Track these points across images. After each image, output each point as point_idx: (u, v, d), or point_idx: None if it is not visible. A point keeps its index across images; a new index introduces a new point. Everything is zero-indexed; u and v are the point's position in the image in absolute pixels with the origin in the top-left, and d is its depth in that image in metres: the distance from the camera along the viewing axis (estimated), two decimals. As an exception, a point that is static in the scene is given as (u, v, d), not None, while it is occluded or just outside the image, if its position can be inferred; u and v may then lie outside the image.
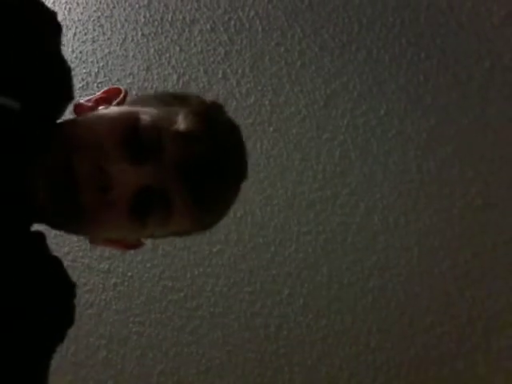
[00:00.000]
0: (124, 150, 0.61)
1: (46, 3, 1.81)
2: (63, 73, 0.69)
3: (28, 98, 0.63)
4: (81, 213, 0.61)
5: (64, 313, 0.69)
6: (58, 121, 0.70)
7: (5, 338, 0.61)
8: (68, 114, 0.72)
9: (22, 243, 0.67)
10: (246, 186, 1.43)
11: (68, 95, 0.69)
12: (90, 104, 0.70)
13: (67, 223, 0.66)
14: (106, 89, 0.72)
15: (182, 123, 0.63)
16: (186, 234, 0.75)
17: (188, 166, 0.62)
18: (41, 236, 0.70)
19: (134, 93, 1.55)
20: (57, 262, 0.70)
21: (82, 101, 0.70)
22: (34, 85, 0.64)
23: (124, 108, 0.67)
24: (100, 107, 0.70)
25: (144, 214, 0.63)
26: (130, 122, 0.62)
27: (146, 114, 0.63)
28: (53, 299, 0.68)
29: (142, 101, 0.70)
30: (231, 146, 0.68)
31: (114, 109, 0.67)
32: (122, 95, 0.71)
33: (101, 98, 0.71)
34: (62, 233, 1.75)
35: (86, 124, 0.64)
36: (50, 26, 0.67)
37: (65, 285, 0.70)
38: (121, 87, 0.73)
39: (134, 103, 0.70)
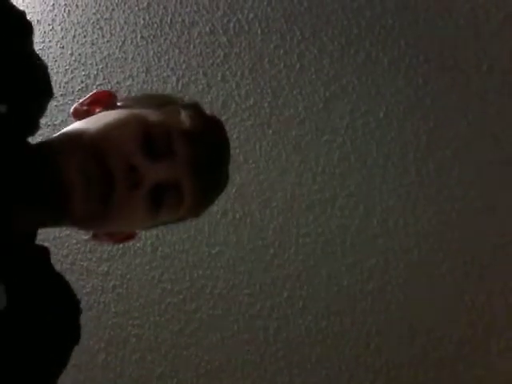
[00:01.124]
0: (145, 150, 0.68)
1: (45, 6, 1.81)
2: (41, 71, 0.71)
3: (12, 100, 0.65)
4: (110, 209, 0.67)
5: (70, 330, 0.71)
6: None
7: (11, 356, 0.63)
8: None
9: (28, 258, 0.67)
10: (245, 187, 1.43)
11: (48, 92, 0.72)
12: (84, 108, 0.74)
13: (92, 220, 0.69)
14: (93, 92, 0.77)
15: (185, 122, 0.72)
16: (182, 220, 0.83)
17: (196, 159, 0.71)
18: (46, 251, 0.71)
19: (133, 95, 1.55)
20: (62, 279, 0.72)
21: (76, 105, 0.75)
22: (16, 86, 0.66)
23: (130, 111, 0.72)
24: (97, 110, 0.74)
25: (159, 204, 0.70)
26: (142, 125, 0.69)
27: (151, 115, 0.71)
28: (59, 316, 0.69)
29: (137, 104, 0.75)
30: (223, 138, 0.79)
31: (122, 112, 0.72)
32: (113, 99, 0.76)
33: (92, 101, 0.75)
34: (60, 236, 1.75)
35: (107, 128, 0.68)
36: (21, 26, 0.68)
37: (70, 301, 0.72)
38: (108, 90, 0.78)
39: (130, 106, 0.74)
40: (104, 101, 0.75)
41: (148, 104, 0.74)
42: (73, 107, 0.74)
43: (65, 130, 0.72)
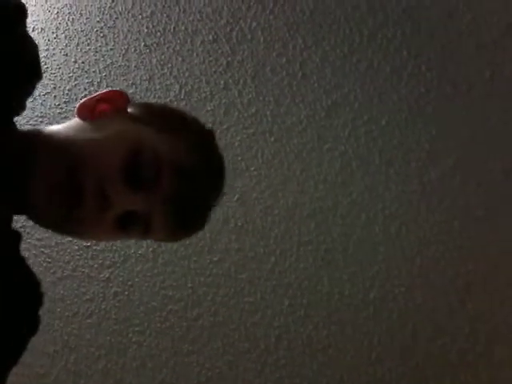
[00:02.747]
0: (125, 177, 0.65)
1: (49, 14, 1.82)
2: (31, 52, 0.71)
3: (2, 81, 0.65)
4: (74, 224, 0.66)
5: (29, 320, 0.70)
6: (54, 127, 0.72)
7: None
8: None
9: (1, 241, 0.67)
10: (246, 195, 1.43)
11: (36, 73, 0.71)
12: (91, 104, 0.72)
13: (56, 228, 0.70)
14: (109, 90, 0.74)
15: (182, 157, 0.67)
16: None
17: (178, 199, 0.67)
18: (18, 236, 0.71)
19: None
20: (27, 268, 0.71)
21: (85, 100, 0.72)
22: (4, 65, 0.66)
23: (128, 130, 0.69)
24: (103, 108, 0.72)
25: (126, 228, 0.69)
26: (135, 149, 0.66)
27: (150, 139, 0.67)
28: (19, 305, 0.69)
29: (144, 117, 0.72)
30: (217, 186, 0.74)
31: (118, 129, 0.69)
32: (124, 101, 0.73)
33: (102, 98, 0.73)
34: (62, 242, 1.74)
35: (93, 145, 0.66)
36: (13, 7, 0.68)
37: (33, 292, 0.71)
38: (124, 92, 0.74)
39: (136, 118, 0.71)
40: (114, 101, 0.72)
41: (155, 122, 0.70)
42: (81, 102, 0.71)
43: (58, 128, 0.71)
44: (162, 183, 0.66)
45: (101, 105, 0.72)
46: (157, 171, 0.66)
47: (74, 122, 0.72)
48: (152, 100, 1.55)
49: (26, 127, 0.76)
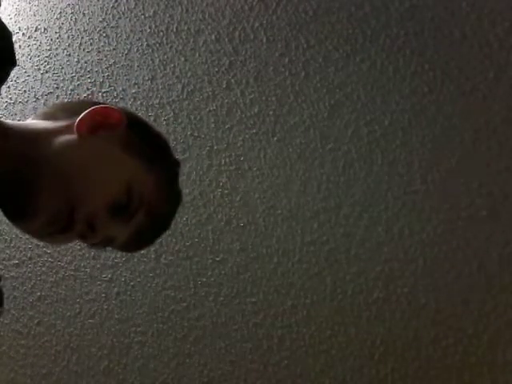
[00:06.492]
0: (111, 214, 0.74)
1: (52, 14, 1.82)
2: (5, 39, 0.72)
3: None
4: (49, 240, 0.74)
5: None
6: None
7: None
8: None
9: None
10: (249, 195, 1.43)
11: (11, 60, 0.73)
12: (89, 119, 0.74)
13: (26, 232, 0.75)
14: (107, 106, 0.76)
15: (157, 207, 0.78)
16: None
17: (142, 234, 0.79)
18: None
19: (138, 103, 1.55)
20: None
21: (84, 115, 0.74)
22: None
23: (122, 174, 0.74)
24: (96, 123, 0.74)
25: (92, 245, 0.78)
26: (125, 195, 0.74)
27: (138, 182, 0.75)
28: None
29: (137, 147, 0.76)
30: (171, 220, 0.85)
31: (115, 171, 0.74)
32: (120, 122, 0.76)
33: (99, 112, 0.75)
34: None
35: (94, 186, 0.72)
36: None
37: None
38: (121, 112, 0.77)
39: (129, 145, 0.75)
40: (110, 118, 0.75)
41: (140, 152, 0.76)
42: (80, 118, 0.73)
43: (60, 146, 0.72)
44: (135, 218, 0.76)
45: (96, 118, 0.74)
46: (137, 209, 0.75)
47: (70, 136, 0.73)
48: (155, 100, 1.54)
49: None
